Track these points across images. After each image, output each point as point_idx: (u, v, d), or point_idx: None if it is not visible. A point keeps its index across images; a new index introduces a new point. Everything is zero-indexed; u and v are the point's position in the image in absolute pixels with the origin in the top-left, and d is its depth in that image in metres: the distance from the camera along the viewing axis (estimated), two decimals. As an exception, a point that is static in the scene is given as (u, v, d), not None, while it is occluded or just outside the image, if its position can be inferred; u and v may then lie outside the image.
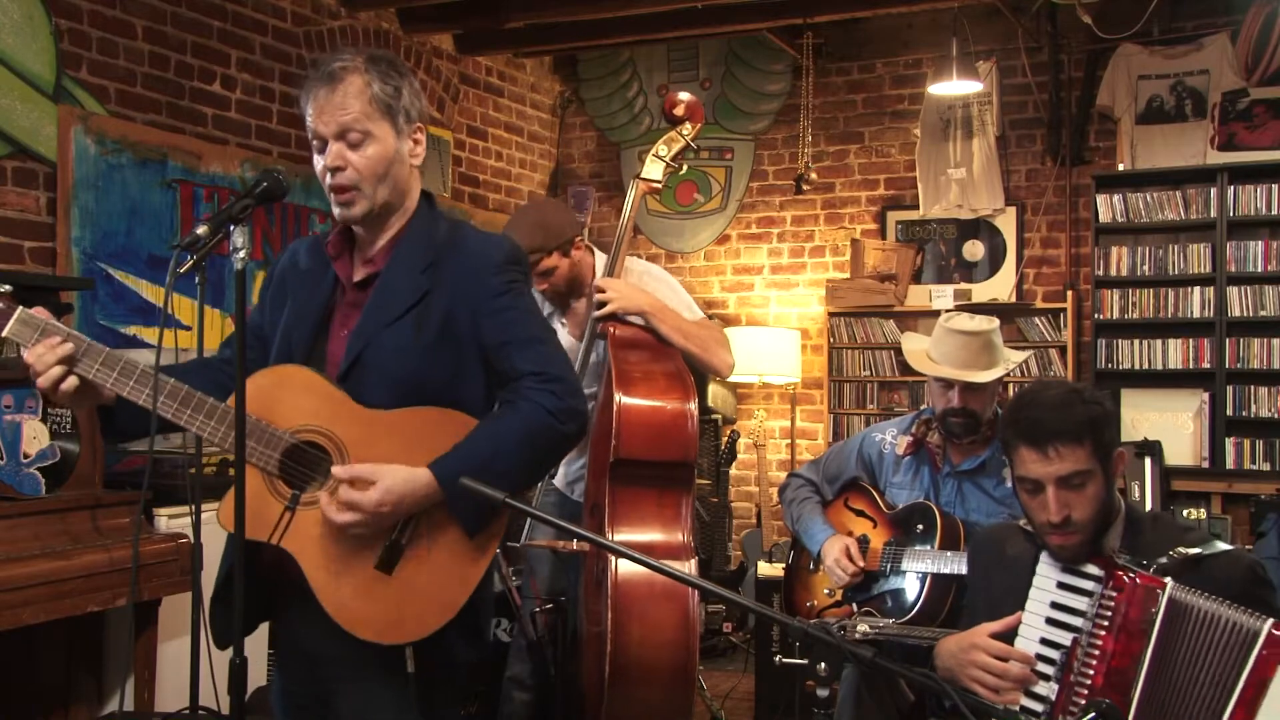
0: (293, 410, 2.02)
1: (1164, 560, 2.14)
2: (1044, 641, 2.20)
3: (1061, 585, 2.22)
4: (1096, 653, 2.13)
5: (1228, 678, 1.98)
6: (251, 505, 1.96)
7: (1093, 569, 2.19)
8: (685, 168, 3.49)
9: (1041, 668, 2.18)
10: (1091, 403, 2.24)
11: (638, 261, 3.53)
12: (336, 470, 1.97)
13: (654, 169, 3.40)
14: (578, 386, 2.10)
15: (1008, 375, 3.29)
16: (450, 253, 2.11)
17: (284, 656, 2.22)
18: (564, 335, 3.42)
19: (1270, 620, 1.96)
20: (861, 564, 3.11)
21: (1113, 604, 2.13)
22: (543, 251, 3.28)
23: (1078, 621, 2.17)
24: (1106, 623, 2.13)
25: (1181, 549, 2.17)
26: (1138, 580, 2.11)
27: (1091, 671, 2.12)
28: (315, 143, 2.09)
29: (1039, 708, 2.17)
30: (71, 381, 1.96)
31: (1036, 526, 2.27)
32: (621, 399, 3.04)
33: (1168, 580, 2.09)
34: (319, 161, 2.08)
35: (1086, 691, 2.11)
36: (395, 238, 2.13)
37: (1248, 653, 1.96)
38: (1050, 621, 2.20)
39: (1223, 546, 2.23)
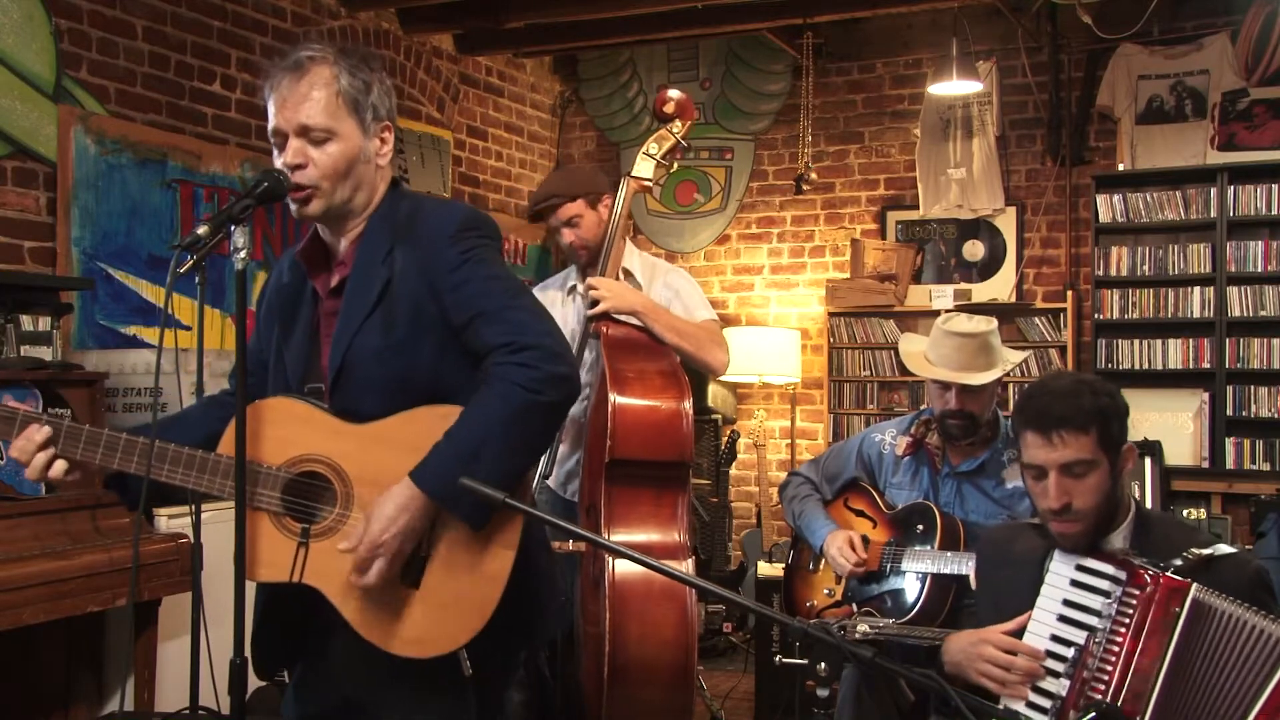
0: (282, 443, 1.97)
1: (1179, 561, 2.14)
2: (1055, 638, 2.19)
3: (1076, 583, 2.21)
4: (1115, 650, 2.12)
5: (1252, 686, 1.96)
6: (264, 548, 1.95)
7: (1109, 568, 2.17)
8: (677, 165, 3.49)
9: (1051, 664, 2.18)
10: (1101, 394, 2.25)
11: (658, 261, 3.61)
12: (342, 548, 1.91)
13: (644, 167, 3.40)
14: (556, 350, 1.96)
15: (1008, 376, 3.29)
16: (406, 233, 2.01)
17: (308, 674, 2.16)
18: (585, 310, 3.43)
19: None
20: (864, 554, 3.11)
21: (1134, 602, 2.12)
22: (564, 197, 3.37)
23: (1092, 620, 2.16)
24: (1127, 621, 2.12)
25: (1195, 549, 2.17)
26: (1161, 580, 2.10)
27: (1110, 669, 2.11)
28: (275, 138, 2.00)
29: (1047, 704, 2.16)
30: (60, 466, 1.94)
31: (1040, 513, 2.28)
32: (616, 399, 3.03)
33: (1191, 581, 2.08)
34: (278, 159, 1.99)
35: (1103, 689, 2.10)
36: (360, 235, 2.06)
37: (1277, 663, 1.95)
38: (1063, 619, 2.19)
39: (1227, 549, 2.23)
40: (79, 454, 1.94)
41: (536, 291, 3.58)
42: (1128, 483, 2.33)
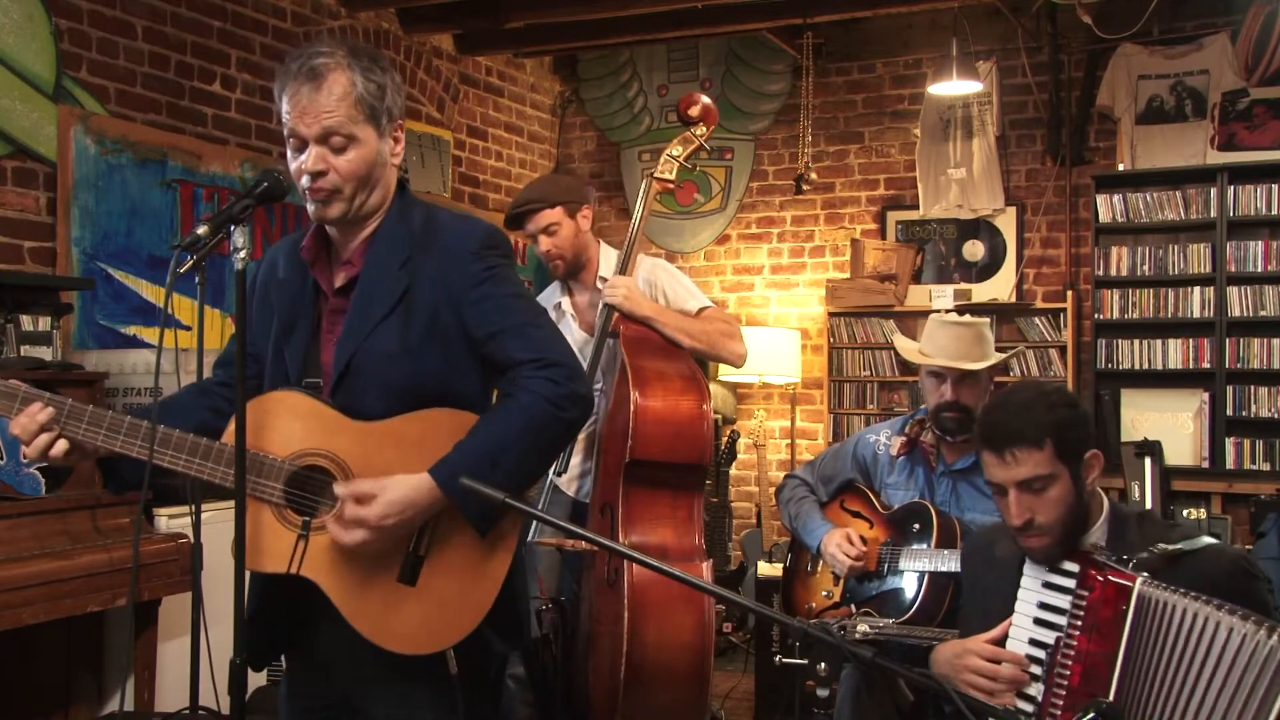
0: (287, 436, 1.98)
1: (1144, 555, 2.13)
2: (1032, 642, 2.20)
3: (1046, 585, 2.22)
4: (1072, 651, 2.12)
5: (1261, 697, 1.89)
6: (264, 538, 1.95)
7: (1072, 566, 2.18)
8: (697, 168, 3.56)
9: (1032, 668, 2.18)
10: (1058, 406, 2.24)
11: (642, 257, 3.57)
12: (339, 489, 1.93)
13: (667, 168, 3.46)
14: (577, 369, 2.02)
15: (1006, 376, 3.30)
16: (426, 243, 2.04)
17: (298, 668, 2.18)
18: (573, 329, 3.44)
19: None
20: (862, 549, 3.11)
21: (1085, 602, 2.12)
22: (544, 203, 3.35)
23: (1060, 620, 2.16)
24: (1080, 621, 2.12)
25: (1163, 545, 2.17)
26: (1109, 577, 2.10)
27: (1068, 671, 2.12)
28: (292, 140, 2.01)
29: (1030, 708, 2.17)
30: (61, 446, 1.94)
31: (1010, 529, 2.29)
32: (638, 399, 3.03)
33: (1138, 577, 2.07)
34: (295, 161, 2.00)
35: (1064, 691, 2.11)
36: (370, 236, 2.06)
37: (1265, 666, 1.88)
38: (1037, 621, 2.20)
39: (1207, 541, 2.22)
40: (81, 433, 1.94)
41: None
42: (1097, 488, 2.32)
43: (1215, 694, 1.95)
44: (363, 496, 1.91)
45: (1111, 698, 2.04)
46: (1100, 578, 2.11)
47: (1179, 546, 2.17)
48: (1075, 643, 2.12)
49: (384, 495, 1.91)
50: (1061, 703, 2.11)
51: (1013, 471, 2.20)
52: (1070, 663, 2.11)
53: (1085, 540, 2.26)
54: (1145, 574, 2.08)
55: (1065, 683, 2.12)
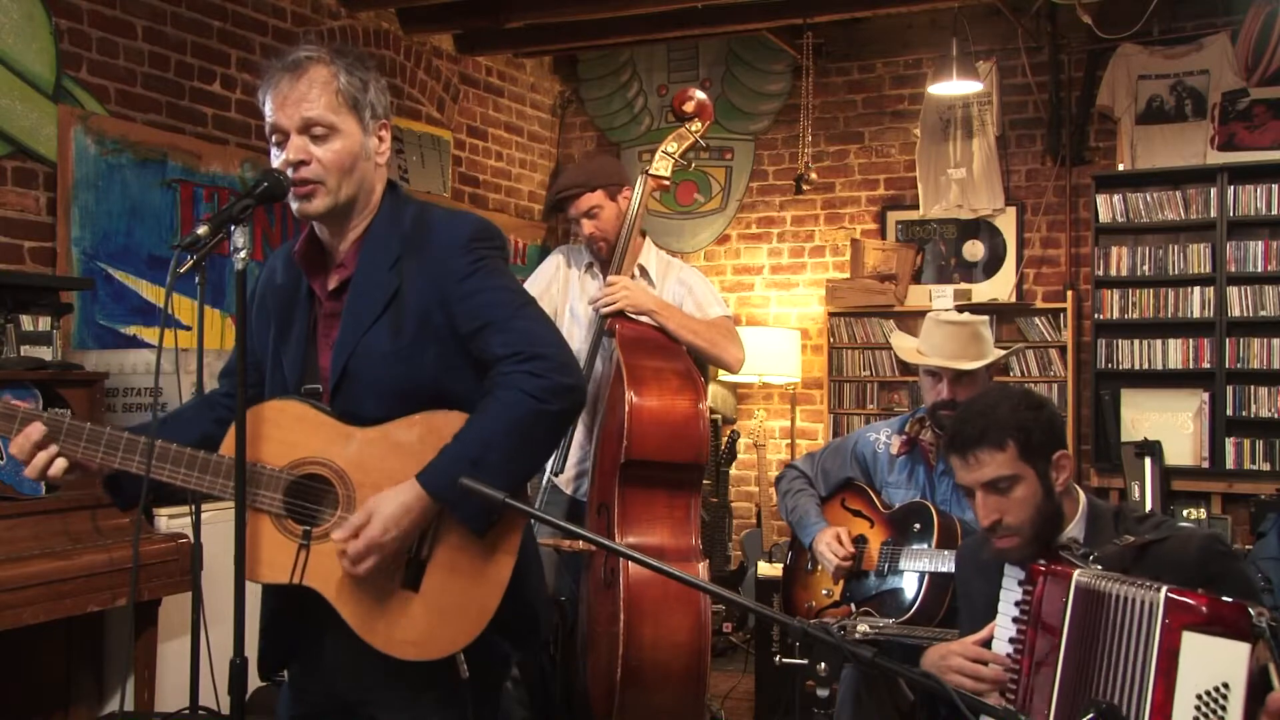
0: (286, 446, 1.97)
1: (1108, 548, 2.16)
2: (1010, 641, 2.22)
3: (1020, 584, 2.24)
4: (1022, 646, 2.15)
5: (1143, 655, 1.93)
6: (264, 549, 1.95)
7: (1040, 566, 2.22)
8: (693, 165, 3.56)
9: (1013, 667, 2.21)
10: (1021, 407, 2.26)
11: (672, 259, 3.62)
12: (336, 536, 1.93)
13: (663, 165, 3.45)
14: (563, 360, 1.98)
15: (1009, 376, 3.30)
16: (416, 242, 2.02)
17: (300, 674, 2.17)
18: (599, 285, 3.45)
19: (1165, 588, 1.91)
20: (851, 549, 3.13)
21: (1029, 598, 2.15)
22: (584, 188, 3.38)
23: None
24: (1027, 616, 2.16)
25: (1128, 536, 2.18)
26: (1054, 569, 2.13)
27: (1018, 667, 2.15)
28: (274, 136, 1.99)
29: (1013, 707, 2.19)
30: (60, 464, 1.94)
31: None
32: (633, 399, 3.03)
33: (1076, 569, 2.09)
34: (277, 156, 1.98)
35: (1014, 687, 2.15)
36: (361, 237, 2.05)
37: (1153, 625, 1.92)
38: (1015, 620, 2.23)
39: (1178, 527, 2.24)
40: (80, 453, 1.94)
41: (538, 274, 3.60)
42: (1073, 487, 2.34)
43: (1131, 662, 1.96)
44: (358, 528, 1.91)
45: (1058, 683, 2.07)
46: (1043, 573, 2.14)
47: (1146, 537, 2.19)
48: (1024, 637, 2.16)
49: (378, 514, 1.90)
50: (1014, 695, 2.14)
51: (976, 473, 2.24)
52: (1023, 656, 2.15)
53: (1061, 538, 2.27)
54: (1098, 566, 2.10)
55: (1018, 674, 2.15)
